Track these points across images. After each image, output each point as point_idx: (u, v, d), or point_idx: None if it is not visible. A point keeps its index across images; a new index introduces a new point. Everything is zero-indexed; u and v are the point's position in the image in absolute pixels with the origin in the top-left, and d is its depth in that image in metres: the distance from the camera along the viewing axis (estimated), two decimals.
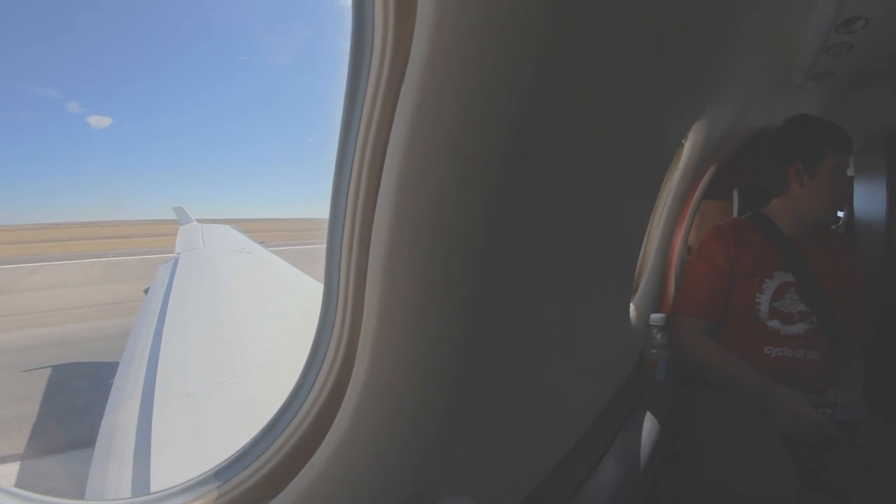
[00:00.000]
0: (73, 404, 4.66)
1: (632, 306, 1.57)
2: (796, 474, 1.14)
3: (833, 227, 2.67)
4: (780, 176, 1.49)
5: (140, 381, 2.25)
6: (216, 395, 2.03)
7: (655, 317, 1.51)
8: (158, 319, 3.15)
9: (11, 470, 3.51)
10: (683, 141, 1.57)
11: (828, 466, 1.24)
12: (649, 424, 1.28)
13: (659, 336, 1.50)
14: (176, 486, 0.63)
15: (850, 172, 2.71)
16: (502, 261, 0.58)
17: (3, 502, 0.64)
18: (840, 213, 3.17)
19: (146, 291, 4.20)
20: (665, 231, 1.71)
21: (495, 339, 0.65)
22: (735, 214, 2.19)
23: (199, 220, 9.16)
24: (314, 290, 4.17)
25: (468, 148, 0.46)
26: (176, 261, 5.18)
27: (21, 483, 3.29)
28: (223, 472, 0.62)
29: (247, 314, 3.52)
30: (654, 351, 1.50)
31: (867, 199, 2.45)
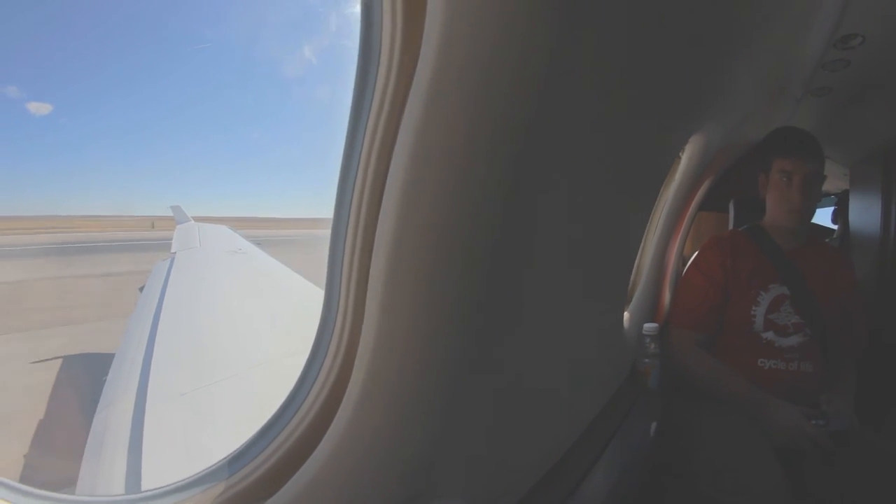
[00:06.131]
0: None
1: (626, 315, 1.57)
2: (787, 486, 1.14)
3: (827, 240, 2.70)
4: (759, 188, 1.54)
5: (134, 379, 2.23)
6: (208, 396, 2.02)
7: (648, 326, 1.51)
8: (153, 318, 3.12)
9: None
10: (680, 153, 1.58)
11: (818, 478, 1.25)
12: (641, 433, 1.28)
13: (652, 345, 1.51)
14: (173, 483, 0.63)
15: (845, 185, 2.75)
16: (502, 268, 0.58)
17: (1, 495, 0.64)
18: (835, 226, 3.20)
19: (141, 290, 4.17)
20: (660, 241, 1.72)
21: (492, 345, 0.65)
22: (731, 226, 2.20)
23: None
24: (308, 292, 4.15)
25: (472, 155, 0.46)
26: (172, 259, 5.16)
27: None
28: (220, 471, 0.62)
29: (241, 315, 3.50)
30: (646, 360, 1.51)
31: (862, 213, 2.46)
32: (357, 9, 0.49)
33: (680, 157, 1.60)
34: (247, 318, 3.46)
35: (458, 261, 0.51)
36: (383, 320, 0.51)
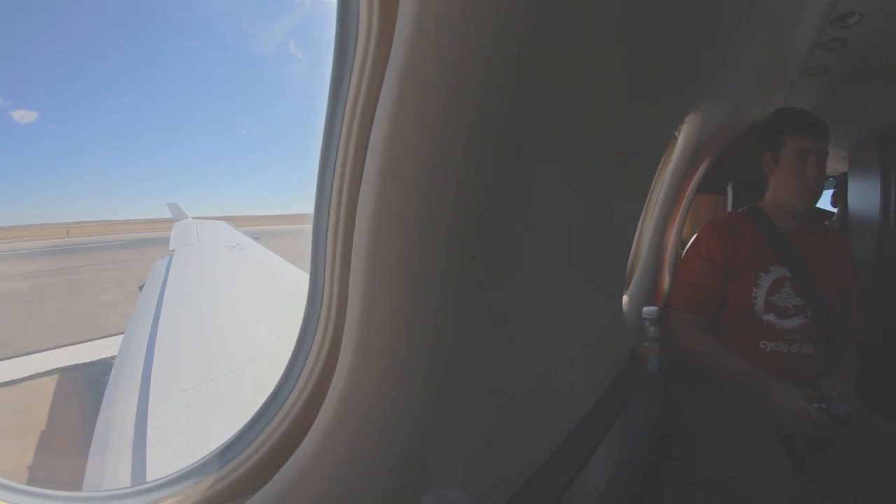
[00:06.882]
0: None
1: (625, 299, 1.57)
2: (790, 469, 1.14)
3: (826, 222, 2.69)
4: (760, 169, 1.53)
5: (136, 377, 2.24)
6: (209, 392, 2.03)
7: (648, 310, 1.51)
8: (154, 316, 3.13)
9: None
10: (676, 134, 1.57)
11: (821, 461, 1.25)
12: (642, 417, 1.28)
13: (651, 329, 1.51)
14: (163, 477, 0.63)
15: (844, 168, 2.74)
16: (488, 254, 0.57)
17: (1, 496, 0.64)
18: (834, 209, 3.19)
19: (141, 288, 4.16)
20: (658, 224, 1.71)
21: (483, 331, 0.64)
22: (729, 208, 2.19)
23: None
24: (307, 285, 4.15)
25: (451, 142, 0.45)
26: (171, 257, 5.16)
27: None
28: (207, 466, 0.62)
29: (241, 310, 3.51)
30: (646, 344, 1.51)
31: (861, 195, 2.46)
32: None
33: (676, 139, 1.59)
34: (247, 313, 3.46)
35: (440, 250, 0.50)
36: (366, 310, 0.50)
